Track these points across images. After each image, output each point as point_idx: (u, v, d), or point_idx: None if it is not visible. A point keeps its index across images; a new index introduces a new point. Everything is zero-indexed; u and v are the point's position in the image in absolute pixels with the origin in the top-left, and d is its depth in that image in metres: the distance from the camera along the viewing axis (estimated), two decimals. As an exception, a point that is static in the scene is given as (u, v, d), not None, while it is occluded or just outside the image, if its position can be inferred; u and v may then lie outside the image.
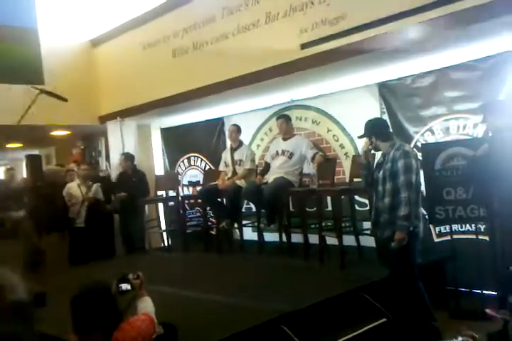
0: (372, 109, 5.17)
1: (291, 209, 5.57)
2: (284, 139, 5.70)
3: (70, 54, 7.93)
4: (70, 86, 7.62)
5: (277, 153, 5.66)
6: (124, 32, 7.50)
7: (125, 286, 2.45)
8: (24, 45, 7.51)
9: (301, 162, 5.54)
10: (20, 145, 10.21)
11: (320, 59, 4.97)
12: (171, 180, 7.12)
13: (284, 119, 5.72)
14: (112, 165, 8.06)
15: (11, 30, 7.35)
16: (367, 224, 4.83)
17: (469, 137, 4.60)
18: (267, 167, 5.77)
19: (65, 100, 5.11)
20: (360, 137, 3.89)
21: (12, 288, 1.04)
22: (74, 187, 6.70)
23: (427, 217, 4.40)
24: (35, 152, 10.73)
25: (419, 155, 4.70)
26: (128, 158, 7.07)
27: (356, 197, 5.17)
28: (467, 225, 4.63)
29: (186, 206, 7.04)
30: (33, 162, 8.97)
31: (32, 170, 7.45)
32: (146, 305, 2.49)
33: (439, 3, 4.04)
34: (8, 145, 10.12)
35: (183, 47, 6.57)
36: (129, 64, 7.41)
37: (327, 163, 5.30)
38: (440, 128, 4.85)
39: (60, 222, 6.19)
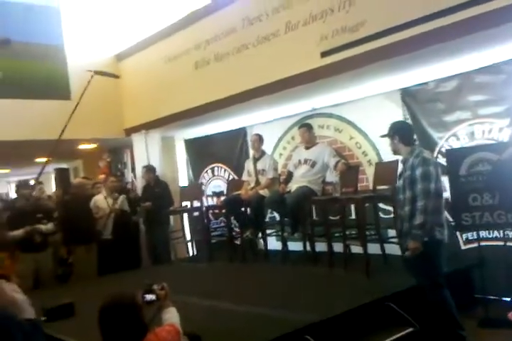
0: (395, 115, 5.13)
1: (314, 217, 5.54)
2: (307, 148, 5.68)
3: (95, 68, 8.11)
4: (96, 100, 7.83)
5: (300, 162, 5.65)
6: (147, 46, 7.63)
7: (150, 297, 2.47)
8: (51, 62, 7.72)
9: (324, 170, 5.51)
10: (49, 158, 10.42)
11: (340, 66, 4.95)
12: (195, 190, 7.18)
13: (306, 128, 5.72)
14: (138, 177, 8.16)
15: (38, 47, 7.56)
16: (392, 232, 4.78)
17: (495, 142, 4.52)
18: (290, 176, 5.76)
19: (117, 77, 5.19)
20: (382, 136, 3.82)
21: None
22: (101, 200, 6.78)
23: (452, 223, 4.33)
24: (64, 165, 10.98)
25: (444, 161, 4.66)
26: (150, 170, 7.16)
27: (380, 205, 5.12)
28: (495, 231, 4.53)
29: (211, 216, 7.06)
30: (62, 175, 9.19)
31: (60, 183, 7.66)
32: (172, 316, 2.50)
33: (457, 8, 4.01)
34: (38, 159, 10.35)
35: (205, 59, 6.63)
36: (152, 77, 7.52)
37: (350, 171, 5.26)
38: (465, 133, 4.78)
39: (88, 234, 6.27)
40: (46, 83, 7.60)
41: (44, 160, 10.38)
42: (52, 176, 11.46)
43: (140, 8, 8.21)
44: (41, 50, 7.61)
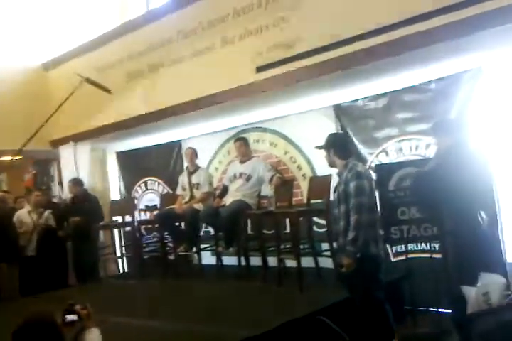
0: (329, 130, 5.16)
1: (249, 232, 5.51)
2: (242, 162, 5.67)
3: (21, 78, 7.77)
4: (22, 110, 7.51)
5: (235, 175, 5.63)
6: (77, 55, 7.41)
7: (71, 317, 2.35)
8: None
9: (259, 184, 5.52)
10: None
11: (275, 82, 5.04)
12: (127, 204, 6.97)
13: (241, 142, 5.71)
14: (65, 191, 7.83)
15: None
16: (326, 246, 4.84)
17: (421, 157, 4.69)
18: (225, 190, 5.72)
19: (109, 91, 4.93)
20: (318, 147, 3.79)
21: None
22: (24, 214, 6.48)
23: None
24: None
25: (374, 175, 4.79)
26: (77, 183, 6.87)
27: (315, 219, 5.18)
28: (422, 244, 4.69)
29: (143, 231, 6.88)
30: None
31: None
32: (93, 337, 2.38)
33: (387, 28, 4.17)
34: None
35: (138, 70, 6.53)
36: (82, 87, 7.28)
37: (284, 185, 5.29)
38: (394, 149, 4.94)
39: (9, 252, 5.91)
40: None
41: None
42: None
43: (70, 16, 7.97)
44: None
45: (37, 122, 7.59)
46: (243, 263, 5.32)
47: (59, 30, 7.94)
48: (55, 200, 7.86)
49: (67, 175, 7.71)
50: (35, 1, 7.99)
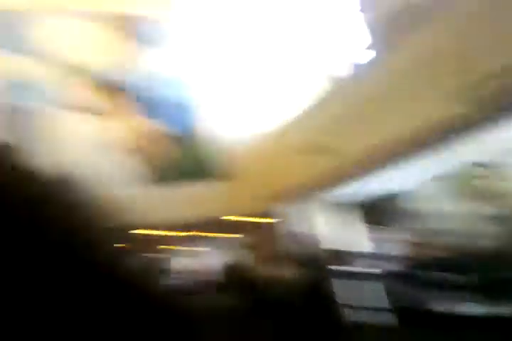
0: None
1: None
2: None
3: (247, 146, 8.61)
4: (251, 175, 8.25)
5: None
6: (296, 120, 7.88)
7: None
8: (210, 146, 8.34)
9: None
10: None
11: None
12: (371, 256, 6.92)
13: None
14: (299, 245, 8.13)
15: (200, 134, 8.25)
16: None
17: None
18: None
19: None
20: None
21: None
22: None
23: None
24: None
25: None
26: (311, 239, 7.09)
27: None
28: None
29: (395, 282, 6.68)
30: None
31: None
32: None
33: None
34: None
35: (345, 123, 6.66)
36: (302, 147, 7.69)
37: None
38: None
39: None
40: (204, 166, 8.29)
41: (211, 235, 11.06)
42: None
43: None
44: (197, 137, 8.32)
45: (268, 184, 8.35)
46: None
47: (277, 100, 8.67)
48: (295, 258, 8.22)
49: (304, 233, 8.05)
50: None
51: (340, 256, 7.34)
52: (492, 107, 4.65)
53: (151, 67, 8.29)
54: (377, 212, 7.56)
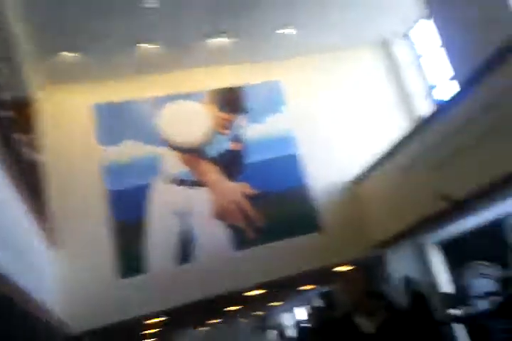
0: None
1: None
2: None
3: (337, 197, 8.82)
4: (342, 224, 8.41)
5: None
6: (381, 163, 8.04)
7: None
8: (298, 201, 8.75)
9: None
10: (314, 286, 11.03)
11: None
12: (460, 295, 6.67)
13: None
14: (395, 291, 7.99)
15: (291, 191, 8.72)
16: None
17: None
18: None
19: (459, 202, 5.42)
20: None
21: None
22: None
23: None
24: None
25: None
26: (407, 281, 6.98)
27: None
28: None
29: (488, 321, 6.35)
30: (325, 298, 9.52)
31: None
32: None
33: None
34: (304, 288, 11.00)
35: (441, 160, 6.65)
36: (393, 189, 7.77)
37: None
38: None
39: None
40: (295, 222, 8.53)
41: (308, 287, 11.11)
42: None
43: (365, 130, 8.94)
44: (293, 193, 8.72)
45: (357, 232, 8.44)
46: None
47: (360, 146, 8.97)
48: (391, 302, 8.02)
49: (394, 276, 7.96)
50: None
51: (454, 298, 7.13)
52: None
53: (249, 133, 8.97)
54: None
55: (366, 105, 9.31)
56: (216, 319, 11.92)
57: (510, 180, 5.49)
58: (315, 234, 8.50)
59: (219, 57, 8.89)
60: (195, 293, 7.59)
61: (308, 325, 7.75)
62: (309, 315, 8.08)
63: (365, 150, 8.65)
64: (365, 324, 6.50)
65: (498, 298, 6.24)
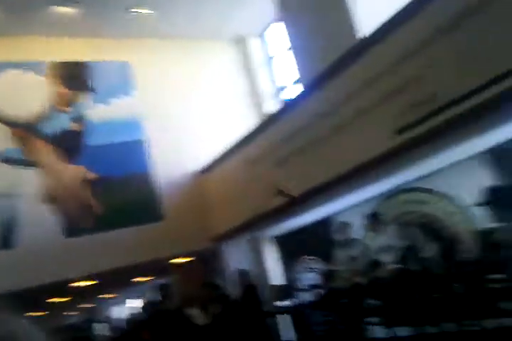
0: (485, 178, 4.88)
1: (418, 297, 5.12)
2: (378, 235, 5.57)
3: (182, 187, 8.63)
4: (185, 215, 8.26)
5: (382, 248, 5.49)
6: (228, 156, 8.08)
7: None
8: (141, 189, 8.35)
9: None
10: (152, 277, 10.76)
11: (418, 140, 4.94)
12: (289, 287, 6.95)
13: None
14: (230, 283, 8.08)
15: (133, 177, 8.29)
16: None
17: None
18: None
19: (294, 197, 5.33)
20: (479, 205, 3.54)
21: None
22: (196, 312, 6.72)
23: None
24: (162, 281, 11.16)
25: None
26: (242, 274, 7.09)
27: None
28: None
29: (310, 312, 6.71)
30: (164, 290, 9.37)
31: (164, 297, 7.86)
32: None
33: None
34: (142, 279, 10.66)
35: (284, 157, 6.88)
36: (236, 183, 7.83)
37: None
38: None
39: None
40: (138, 210, 8.17)
41: (144, 279, 10.79)
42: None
43: (214, 123, 8.89)
44: (136, 180, 8.31)
45: (200, 222, 8.39)
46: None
47: (209, 137, 8.86)
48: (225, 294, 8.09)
49: (231, 268, 8.03)
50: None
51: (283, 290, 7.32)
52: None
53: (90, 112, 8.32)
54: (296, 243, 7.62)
55: (218, 98, 9.24)
56: (39, 312, 11.04)
57: (340, 181, 5.81)
58: (157, 224, 8.22)
59: (64, 28, 8.14)
60: (16, 282, 6.82)
61: (139, 318, 7.43)
62: (142, 307, 7.75)
63: (214, 143, 8.58)
64: (199, 315, 6.51)
65: (320, 291, 6.58)
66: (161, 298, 7.84)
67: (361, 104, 5.60)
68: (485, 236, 4.71)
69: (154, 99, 8.85)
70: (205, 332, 6.37)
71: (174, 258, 8.87)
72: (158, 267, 9.05)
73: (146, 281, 11.10)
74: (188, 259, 9.19)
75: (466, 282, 4.59)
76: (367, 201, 6.50)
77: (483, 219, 4.79)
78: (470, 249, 5.05)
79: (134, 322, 7.59)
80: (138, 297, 12.37)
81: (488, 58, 4.28)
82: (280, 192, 4.87)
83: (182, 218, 8.26)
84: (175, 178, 8.62)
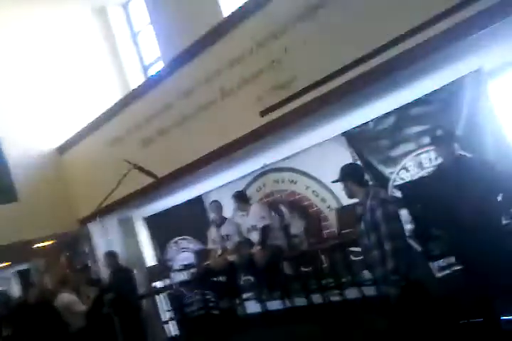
0: (344, 158, 5.20)
1: (288, 272, 5.44)
2: (244, 215, 5.80)
3: (38, 165, 8.03)
4: (45, 196, 7.72)
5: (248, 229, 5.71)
6: (88, 134, 7.65)
7: None
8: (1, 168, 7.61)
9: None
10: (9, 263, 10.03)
11: (282, 121, 5.09)
12: (163, 268, 6.95)
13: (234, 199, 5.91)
14: (102, 267, 7.85)
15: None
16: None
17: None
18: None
19: (156, 177, 4.97)
20: (334, 182, 3.74)
21: None
22: (67, 297, 6.44)
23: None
24: (24, 267, 10.50)
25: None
26: (110, 255, 6.92)
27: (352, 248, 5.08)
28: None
29: (184, 291, 6.81)
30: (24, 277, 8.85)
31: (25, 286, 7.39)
32: None
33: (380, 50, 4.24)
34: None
35: (148, 138, 6.68)
36: (99, 162, 7.47)
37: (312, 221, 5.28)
38: (413, 164, 4.89)
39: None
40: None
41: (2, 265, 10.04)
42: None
43: (74, 97, 8.27)
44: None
45: (61, 205, 7.93)
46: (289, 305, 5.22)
47: (66, 113, 8.23)
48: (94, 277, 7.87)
49: (101, 250, 7.78)
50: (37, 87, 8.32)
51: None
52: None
53: None
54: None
55: (78, 71, 8.50)
56: None
57: (207, 161, 5.83)
58: (12, 205, 7.61)
59: None
60: None
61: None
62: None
63: (73, 118, 8.03)
64: (77, 301, 6.24)
65: (194, 270, 6.67)
66: (21, 287, 7.37)
67: (225, 84, 5.58)
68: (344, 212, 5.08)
69: (2, 67, 7.95)
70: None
71: (37, 242, 8.35)
72: (16, 252, 8.45)
73: (4, 267, 10.35)
74: (50, 242, 8.70)
75: (330, 255, 4.94)
76: (239, 180, 6.62)
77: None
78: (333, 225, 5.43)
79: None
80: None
81: (345, 45, 4.45)
82: (140, 169, 4.69)
83: (40, 199, 7.74)
84: (28, 157, 7.97)
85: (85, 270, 7.50)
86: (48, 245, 8.74)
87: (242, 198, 5.88)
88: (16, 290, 9.51)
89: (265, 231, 5.36)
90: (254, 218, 5.56)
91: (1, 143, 7.80)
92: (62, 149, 8.19)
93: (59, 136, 8.13)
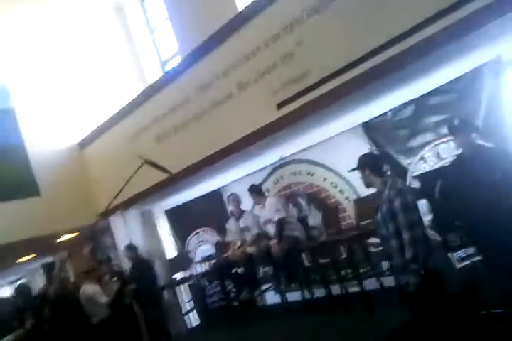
0: (362, 149, 5.17)
1: (306, 264, 5.47)
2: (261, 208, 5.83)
3: (59, 160, 8.15)
4: (66, 190, 7.84)
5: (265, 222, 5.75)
6: (107, 129, 7.74)
7: None
8: (14, 161, 7.72)
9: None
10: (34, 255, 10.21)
11: (298, 114, 5.08)
12: (184, 260, 7.04)
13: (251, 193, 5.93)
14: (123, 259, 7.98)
15: (4, 148, 7.60)
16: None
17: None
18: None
19: (170, 173, 5.02)
20: (351, 170, 3.75)
21: None
22: (90, 288, 6.56)
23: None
24: (49, 259, 10.69)
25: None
26: (130, 248, 7.03)
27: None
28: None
29: (205, 283, 6.89)
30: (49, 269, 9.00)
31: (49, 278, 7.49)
32: None
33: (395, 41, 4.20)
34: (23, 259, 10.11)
35: (165, 132, 6.73)
36: (117, 157, 7.56)
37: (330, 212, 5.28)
38: (431, 154, 4.86)
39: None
40: (12, 184, 7.57)
41: (28, 258, 10.24)
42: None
43: (93, 94, 8.37)
44: (5, 152, 7.64)
45: (83, 199, 8.05)
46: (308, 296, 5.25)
47: (87, 109, 8.34)
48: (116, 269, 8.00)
49: (122, 243, 7.90)
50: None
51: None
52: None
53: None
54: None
55: (97, 68, 8.58)
56: None
57: (225, 154, 5.85)
58: (35, 199, 7.72)
59: None
60: None
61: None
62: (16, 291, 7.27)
63: (94, 113, 8.12)
64: (100, 293, 6.36)
65: (213, 261, 6.75)
66: (45, 279, 7.48)
67: (242, 77, 5.59)
68: (362, 203, 5.08)
69: (21, 63, 8.03)
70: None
71: (58, 235, 8.49)
72: (40, 245, 8.61)
73: (29, 261, 10.56)
74: (74, 235, 8.84)
75: (348, 247, 4.95)
76: (257, 173, 6.64)
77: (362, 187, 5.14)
78: (351, 216, 5.44)
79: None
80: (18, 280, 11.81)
81: (360, 36, 4.42)
82: (152, 164, 4.69)
83: (61, 193, 7.85)
84: (51, 151, 8.09)
85: (108, 262, 7.64)
86: (71, 238, 8.88)
87: (257, 191, 5.91)
88: (40, 282, 9.67)
89: (280, 223, 5.39)
90: (269, 211, 5.58)
91: (23, 138, 7.92)
92: (84, 144, 8.28)
93: (80, 131, 8.23)
